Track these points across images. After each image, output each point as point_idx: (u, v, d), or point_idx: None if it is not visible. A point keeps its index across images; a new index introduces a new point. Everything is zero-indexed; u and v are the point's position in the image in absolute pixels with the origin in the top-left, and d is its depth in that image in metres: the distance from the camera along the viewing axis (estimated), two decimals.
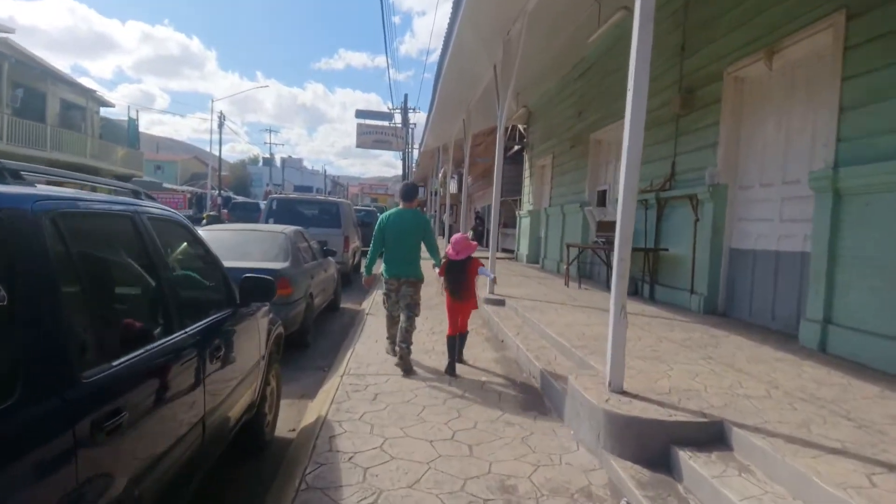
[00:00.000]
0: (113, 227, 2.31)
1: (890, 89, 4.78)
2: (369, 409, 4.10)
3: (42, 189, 1.91)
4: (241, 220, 22.99)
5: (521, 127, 20.15)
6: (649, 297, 8.73)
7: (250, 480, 3.40)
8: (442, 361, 5.39)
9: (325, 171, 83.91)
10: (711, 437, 3.17)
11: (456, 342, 5.24)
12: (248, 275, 3.31)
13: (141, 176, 28.04)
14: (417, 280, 5.44)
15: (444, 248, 5.48)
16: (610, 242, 9.48)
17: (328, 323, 8.25)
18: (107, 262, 2.26)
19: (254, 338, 3.48)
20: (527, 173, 18.08)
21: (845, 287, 5.10)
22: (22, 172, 1.91)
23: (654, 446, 3.16)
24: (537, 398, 4.53)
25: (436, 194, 35.28)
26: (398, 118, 33.93)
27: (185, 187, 40.06)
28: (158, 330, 2.29)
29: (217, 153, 37.70)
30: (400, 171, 40.43)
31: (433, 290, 8.29)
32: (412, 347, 5.25)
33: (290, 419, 4.48)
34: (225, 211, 34.68)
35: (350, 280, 12.38)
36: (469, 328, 5.68)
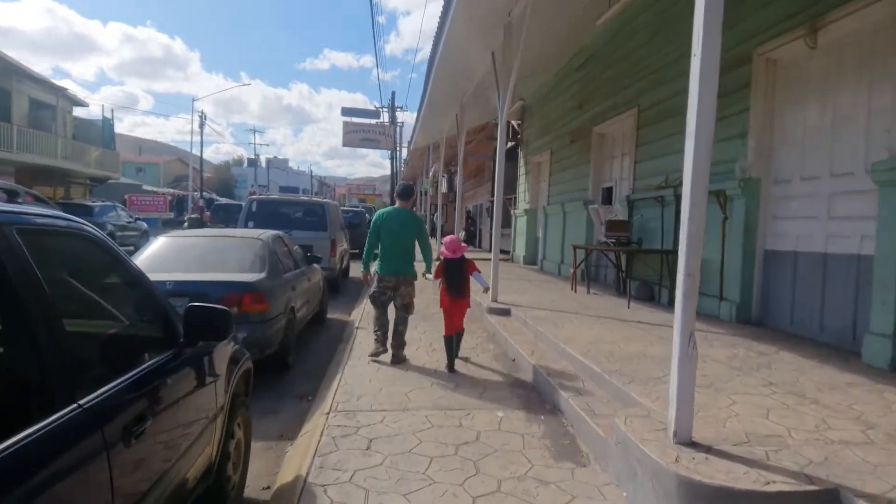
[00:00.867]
0: None
1: None
2: (362, 464, 3.24)
3: None
4: (224, 223, 21.98)
5: (514, 123, 19.33)
6: (668, 303, 7.93)
7: None
8: (445, 385, 4.55)
9: (312, 172, 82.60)
10: None
11: (454, 341, 5.43)
12: (194, 304, 2.44)
13: (117, 178, 26.87)
14: (413, 278, 5.67)
15: (437, 249, 5.22)
16: (621, 243, 8.69)
17: (313, 337, 7.36)
18: None
19: (207, 386, 2.61)
20: (522, 170, 17.28)
21: None
22: None
23: None
24: (569, 441, 3.69)
25: (425, 194, 34.43)
26: (386, 117, 33.08)
27: (165, 189, 38.89)
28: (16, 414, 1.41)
29: (199, 154, 36.53)
30: (388, 171, 39.50)
31: (430, 298, 7.49)
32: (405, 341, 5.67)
33: (264, 469, 3.62)
34: (207, 213, 33.60)
35: (338, 287, 11.49)
36: (474, 343, 6.04)
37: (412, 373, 5.15)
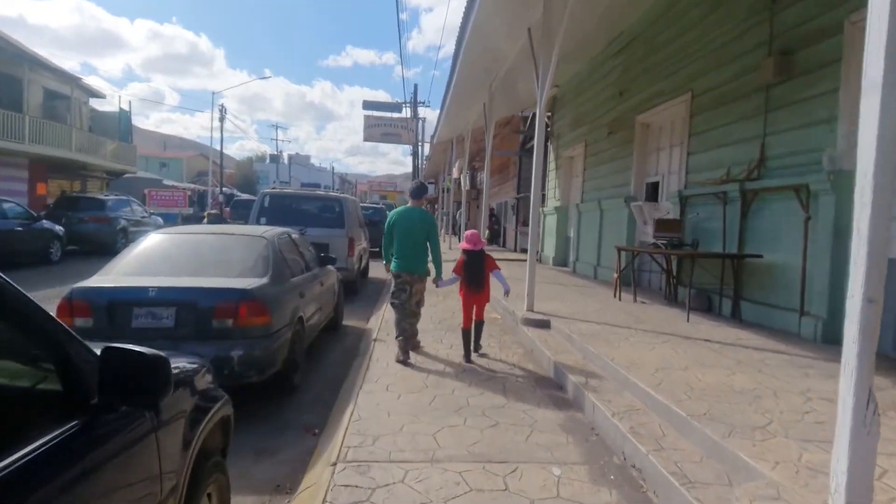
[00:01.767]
0: None
1: None
2: None
3: None
4: (243, 219, 21.33)
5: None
6: (731, 315, 6.92)
7: None
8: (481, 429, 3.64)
9: (333, 169, 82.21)
10: None
11: (471, 334, 5.58)
12: (113, 347, 1.57)
13: (134, 172, 26.43)
14: (424, 276, 5.75)
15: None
16: (674, 245, 7.69)
17: (326, 349, 6.51)
18: None
19: (142, 462, 1.73)
20: (551, 165, 16.26)
21: None
22: None
23: None
24: None
25: (447, 192, 33.50)
26: (408, 112, 32.21)
27: (186, 184, 38.57)
28: None
29: (219, 148, 36.09)
30: (409, 169, 38.71)
31: (454, 306, 6.55)
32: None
33: None
34: (227, 209, 33.12)
35: (356, 289, 10.65)
36: (511, 361, 5.50)
37: (440, 398, 4.25)
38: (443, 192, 34.59)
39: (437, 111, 19.64)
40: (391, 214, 5.86)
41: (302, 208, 10.25)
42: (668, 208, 8.88)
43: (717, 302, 7.30)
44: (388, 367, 5.11)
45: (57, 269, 12.75)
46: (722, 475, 2.75)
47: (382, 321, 7.31)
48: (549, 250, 15.75)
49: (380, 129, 30.14)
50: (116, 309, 4.30)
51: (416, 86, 52.51)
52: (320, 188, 11.52)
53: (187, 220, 33.02)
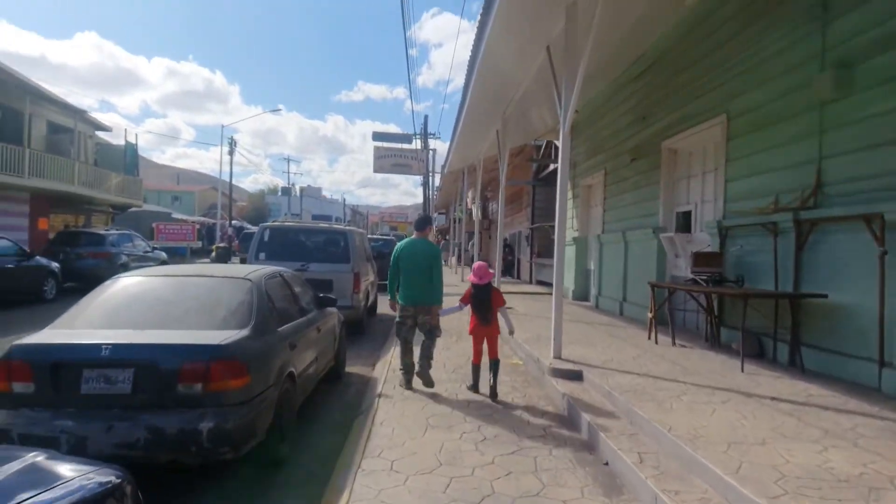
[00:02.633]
0: None
1: None
2: None
3: None
4: None
5: (557, 143, 17.68)
6: (789, 362, 6.02)
7: None
8: None
9: (345, 200, 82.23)
10: None
11: (479, 370, 5.52)
12: None
13: (140, 205, 25.99)
14: (433, 306, 5.71)
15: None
16: (716, 281, 6.85)
17: (324, 404, 5.69)
18: None
19: None
20: (569, 195, 15.51)
21: None
22: None
23: None
24: None
25: (459, 222, 32.85)
26: (418, 143, 31.81)
27: (196, 218, 38.30)
28: None
29: (228, 181, 35.84)
30: (420, 200, 38.18)
31: (468, 349, 5.76)
32: (432, 364, 5.66)
33: None
34: (236, 242, 32.66)
35: (362, 328, 9.84)
36: (540, 424, 4.66)
37: (458, 482, 3.40)
38: (454, 222, 33.96)
39: (448, 143, 19.13)
40: (397, 247, 5.93)
41: (304, 242, 9.53)
42: (706, 241, 8.05)
43: (769, 346, 6.41)
44: (395, 435, 4.27)
45: (49, 307, 12.07)
46: None
47: (389, 368, 6.48)
48: (569, 283, 14.88)
49: (390, 160, 29.69)
50: (63, 371, 3.53)
51: (426, 116, 52.29)
52: (332, 220, 10.82)
53: (196, 253, 32.61)
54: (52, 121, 19.61)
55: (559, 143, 16.91)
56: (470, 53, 8.62)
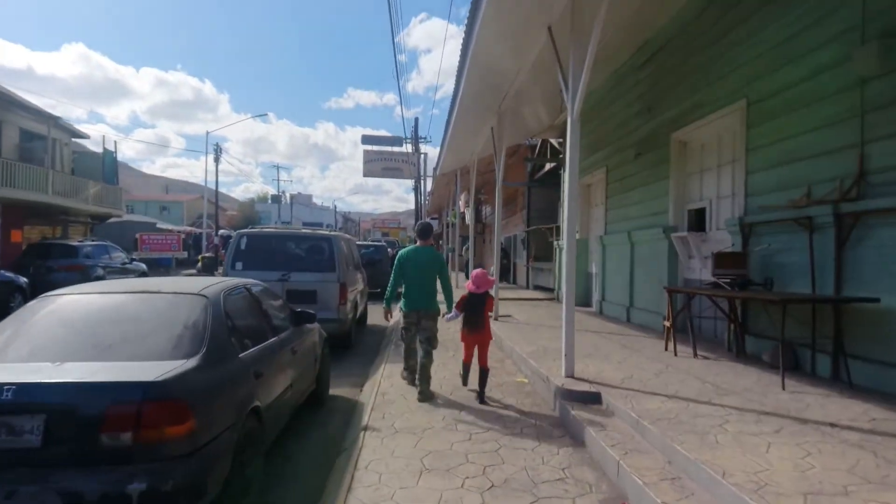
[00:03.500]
0: None
1: None
2: None
3: None
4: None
5: (554, 142, 17.00)
6: (832, 376, 5.30)
7: None
8: None
9: (336, 207, 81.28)
10: None
11: (470, 368, 5.69)
12: None
13: (120, 215, 25.03)
14: (436, 312, 5.75)
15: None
16: (741, 285, 6.13)
17: (300, 438, 4.91)
18: None
19: None
20: (565, 196, 14.80)
21: None
22: None
23: None
24: None
25: (452, 226, 32.10)
26: (409, 147, 31.03)
27: (182, 227, 37.34)
28: None
29: (214, 188, 34.92)
30: (413, 205, 37.42)
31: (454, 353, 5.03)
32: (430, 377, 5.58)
33: None
34: (223, 252, 31.76)
35: (349, 342, 9.06)
36: (553, 465, 3.84)
37: None
38: (447, 226, 33.20)
39: (439, 145, 18.40)
40: (400, 254, 5.94)
41: (285, 250, 8.75)
42: (724, 240, 7.33)
43: (806, 358, 5.68)
44: (382, 483, 3.50)
45: None
46: None
47: (378, 391, 5.70)
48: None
49: (380, 164, 28.92)
50: None
51: (416, 119, 51.50)
52: (322, 227, 10.01)
53: (182, 264, 31.65)
54: (24, 128, 18.70)
55: (558, 140, 16.21)
56: (462, 39, 7.90)
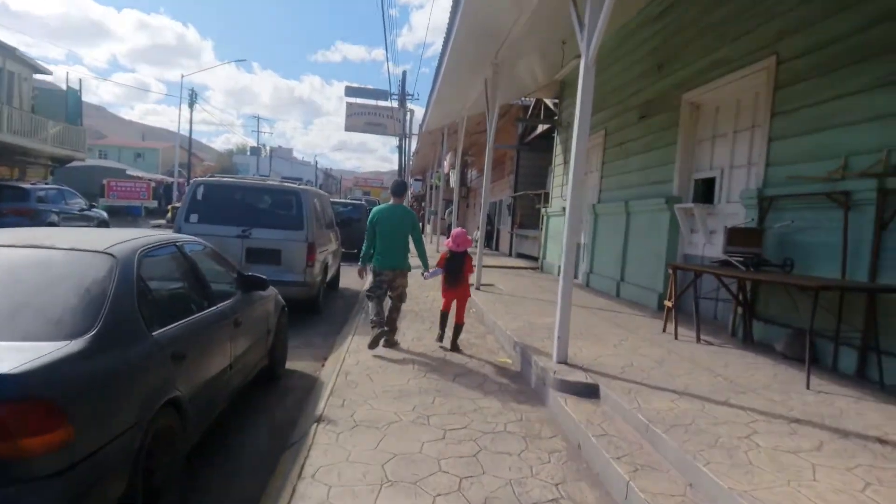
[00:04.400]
0: None
1: None
2: None
3: None
4: None
5: (549, 102, 16.06)
6: (858, 373, 4.67)
7: None
8: None
9: (317, 163, 79.26)
10: None
11: (447, 317, 5.88)
12: None
13: (83, 158, 23.52)
14: (408, 270, 5.88)
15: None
16: (755, 264, 5.45)
17: (245, 423, 4.17)
18: None
19: None
20: (558, 159, 14.02)
21: None
22: None
23: None
24: None
25: (436, 188, 31.10)
26: (394, 103, 29.67)
27: (152, 175, 35.76)
28: None
29: (188, 135, 33.31)
30: (397, 166, 36.22)
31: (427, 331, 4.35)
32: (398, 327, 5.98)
33: None
34: None
35: (318, 308, 8.27)
36: (543, 471, 3.24)
37: None
38: (430, 189, 32.17)
39: (424, 107, 17.33)
40: (373, 213, 5.91)
41: (247, 203, 7.84)
42: (735, 214, 6.63)
43: (826, 351, 5.04)
44: (328, 501, 2.77)
45: None
46: None
47: (340, 370, 4.95)
48: (554, 258, 13.49)
49: (363, 119, 27.62)
50: None
51: (404, 72, 49.46)
52: (302, 182, 9.08)
53: (152, 213, 30.33)
54: None
55: (553, 101, 15.26)
56: None
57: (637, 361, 4.78)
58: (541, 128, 17.30)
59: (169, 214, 26.43)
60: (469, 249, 5.78)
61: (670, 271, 6.21)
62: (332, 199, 15.29)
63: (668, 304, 6.16)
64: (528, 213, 18.88)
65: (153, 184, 30.06)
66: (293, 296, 7.41)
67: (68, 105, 20.88)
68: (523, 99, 17.79)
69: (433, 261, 6.00)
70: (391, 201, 6.00)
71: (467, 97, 12.88)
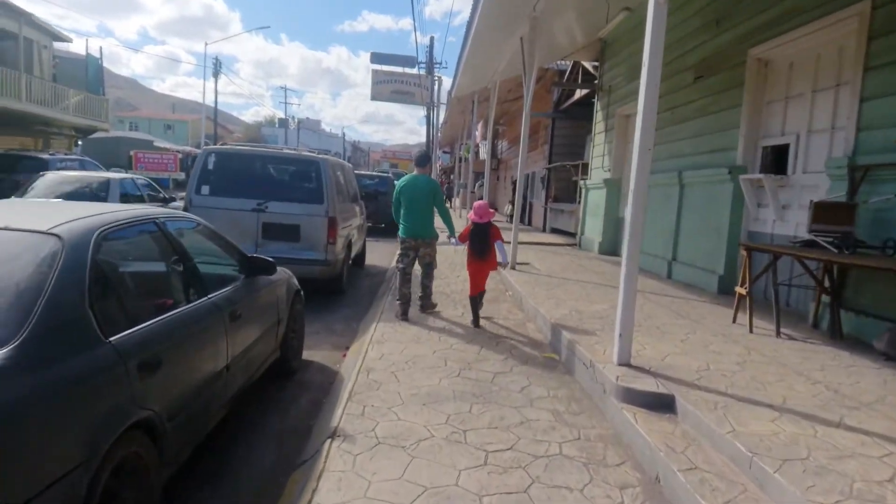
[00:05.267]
0: None
1: None
2: None
3: None
4: None
5: (588, 65, 14.97)
6: None
7: None
8: None
9: (345, 135, 78.62)
10: None
11: (477, 301, 5.72)
12: None
13: (106, 128, 23.17)
14: (433, 239, 6.00)
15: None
16: (849, 245, 4.59)
17: (248, 432, 3.56)
18: None
19: None
20: (600, 127, 13.01)
21: None
22: None
23: None
24: None
25: (464, 161, 30.16)
26: (422, 71, 28.60)
27: (180, 147, 35.53)
28: None
29: (214, 106, 32.90)
30: (424, 138, 35.31)
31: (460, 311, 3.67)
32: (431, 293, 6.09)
33: None
34: None
35: (342, 287, 7.65)
36: None
37: None
38: (459, 161, 31.22)
39: (452, 77, 16.41)
40: (398, 183, 6.06)
41: (263, 174, 7.20)
42: (816, 186, 5.72)
43: None
44: None
45: None
46: None
47: (363, 366, 4.29)
48: (594, 234, 12.63)
49: (390, 87, 26.71)
50: None
51: (431, 37, 47.72)
52: (330, 154, 8.43)
53: (180, 185, 30.14)
54: None
55: (593, 64, 14.16)
56: None
57: (713, 363, 4.01)
58: (578, 93, 16.24)
59: None
60: (492, 220, 5.77)
61: (743, 252, 5.35)
62: (357, 172, 14.63)
63: (739, 290, 5.32)
64: (564, 186, 17.93)
65: (181, 155, 29.73)
66: (314, 275, 6.82)
67: (88, 73, 20.47)
68: (559, 63, 16.71)
69: (460, 231, 6.04)
70: (415, 171, 6.15)
71: (500, 58, 11.95)
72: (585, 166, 14.70)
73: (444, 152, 42.54)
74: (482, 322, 5.73)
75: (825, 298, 5.21)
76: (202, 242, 3.44)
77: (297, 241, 6.80)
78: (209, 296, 3.04)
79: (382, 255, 11.93)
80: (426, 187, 5.93)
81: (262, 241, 6.75)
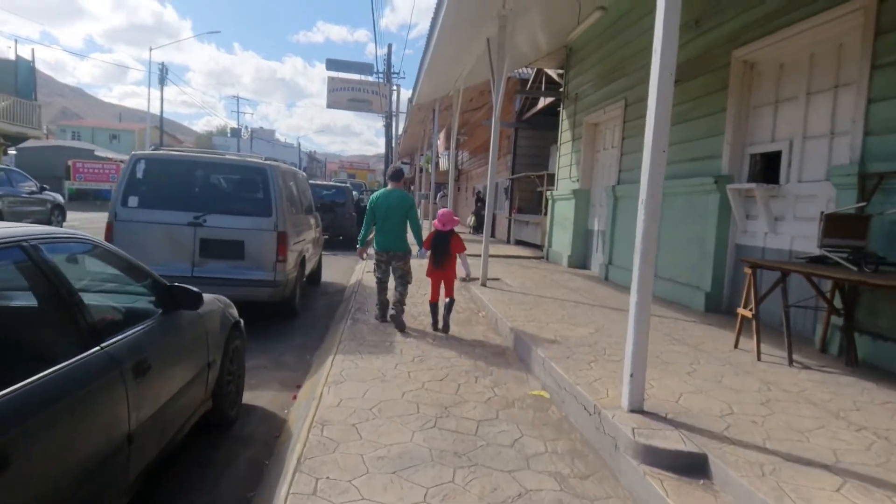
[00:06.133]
0: None
1: None
2: None
3: None
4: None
5: (552, 73, 14.55)
6: None
7: None
8: None
9: (300, 145, 76.85)
10: None
11: (438, 307, 5.84)
12: None
13: (39, 136, 21.41)
14: (406, 253, 5.99)
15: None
16: (868, 262, 4.09)
17: (177, 499, 2.73)
18: None
19: None
20: (566, 136, 12.55)
21: None
22: None
23: None
24: None
25: (426, 171, 29.50)
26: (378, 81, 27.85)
27: (124, 157, 33.71)
28: None
29: (159, 114, 31.30)
30: (383, 150, 34.48)
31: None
32: (405, 309, 5.88)
33: None
34: None
35: (295, 311, 6.82)
36: None
37: None
38: (419, 171, 30.55)
39: (412, 84, 15.76)
40: (373, 197, 6.06)
41: (202, 183, 6.31)
42: (816, 196, 5.26)
43: None
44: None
45: None
46: None
47: (316, 416, 3.51)
48: (562, 247, 12.11)
49: (346, 94, 25.83)
50: None
51: (390, 45, 47.10)
52: (282, 162, 7.56)
53: None
54: None
55: (557, 71, 13.72)
56: None
57: (735, 404, 3.40)
58: (542, 102, 15.83)
59: None
60: (456, 229, 5.85)
61: (747, 270, 4.80)
62: (313, 182, 13.73)
63: (743, 312, 4.77)
64: (528, 197, 17.48)
65: (123, 165, 28.19)
66: (261, 298, 6.00)
67: (18, 77, 18.90)
68: (521, 71, 16.29)
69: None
70: (389, 186, 6.16)
71: (464, 62, 11.35)
72: (551, 177, 14.24)
73: (404, 163, 41.83)
74: (453, 332, 5.76)
75: (835, 320, 4.72)
76: (101, 270, 2.62)
77: (241, 260, 5.95)
78: (102, 345, 2.23)
79: (341, 270, 11.10)
80: (401, 202, 5.93)
81: (199, 260, 5.88)
